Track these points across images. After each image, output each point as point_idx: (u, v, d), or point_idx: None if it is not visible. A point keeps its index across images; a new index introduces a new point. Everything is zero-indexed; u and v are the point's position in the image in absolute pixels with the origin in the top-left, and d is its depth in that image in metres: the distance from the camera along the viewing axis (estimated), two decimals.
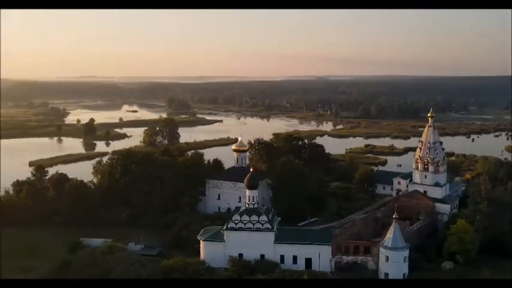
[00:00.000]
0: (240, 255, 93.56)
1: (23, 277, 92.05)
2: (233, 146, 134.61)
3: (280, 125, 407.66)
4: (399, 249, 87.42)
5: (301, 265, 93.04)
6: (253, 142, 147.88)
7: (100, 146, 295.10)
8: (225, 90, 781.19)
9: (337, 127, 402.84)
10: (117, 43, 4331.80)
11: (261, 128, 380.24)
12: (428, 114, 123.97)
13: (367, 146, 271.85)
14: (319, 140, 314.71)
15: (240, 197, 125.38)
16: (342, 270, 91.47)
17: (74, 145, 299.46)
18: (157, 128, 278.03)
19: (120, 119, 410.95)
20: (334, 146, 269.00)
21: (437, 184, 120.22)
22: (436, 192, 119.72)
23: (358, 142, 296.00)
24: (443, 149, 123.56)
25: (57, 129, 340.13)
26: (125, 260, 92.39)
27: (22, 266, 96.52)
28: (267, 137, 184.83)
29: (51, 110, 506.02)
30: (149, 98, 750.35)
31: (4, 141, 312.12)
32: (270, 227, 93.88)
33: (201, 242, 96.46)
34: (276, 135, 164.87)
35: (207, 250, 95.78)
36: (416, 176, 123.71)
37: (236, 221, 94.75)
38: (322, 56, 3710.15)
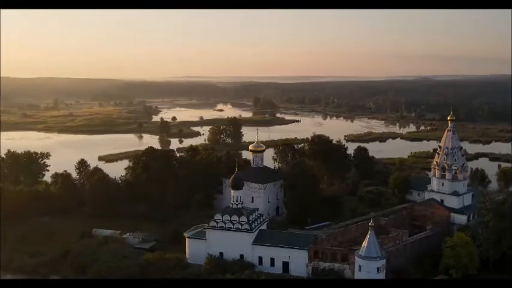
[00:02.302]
0: (221, 254, 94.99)
1: (30, 260, 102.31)
2: (250, 147, 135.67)
3: (356, 126, 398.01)
4: (372, 259, 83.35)
5: (278, 268, 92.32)
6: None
7: (174, 143, 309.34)
8: (315, 90, 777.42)
9: (421, 129, 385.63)
10: (222, 44, 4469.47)
11: (335, 128, 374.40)
12: (448, 118, 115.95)
13: (435, 150, 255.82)
14: (390, 143, 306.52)
15: (252, 197, 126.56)
16: (319, 276, 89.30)
17: (151, 142, 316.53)
18: (222, 127, 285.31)
19: (201, 117, 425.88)
20: (401, 149, 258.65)
21: (454, 193, 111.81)
22: (453, 202, 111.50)
23: (432, 145, 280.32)
24: (463, 155, 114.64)
25: (139, 126, 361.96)
26: (112, 251, 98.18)
27: (33, 251, 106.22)
28: None
29: (144, 108, 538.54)
30: (243, 97, 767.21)
31: (89, 136, 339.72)
32: (249, 228, 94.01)
33: (186, 239, 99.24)
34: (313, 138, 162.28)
35: (190, 247, 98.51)
36: (434, 184, 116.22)
37: (218, 220, 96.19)
38: (427, 54, 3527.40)
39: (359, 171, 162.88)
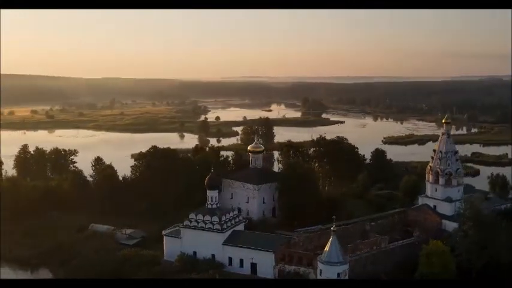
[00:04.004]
0: (194, 253, 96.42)
1: (27, 251, 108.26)
2: (249, 147, 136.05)
3: (402, 128, 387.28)
4: (332, 264, 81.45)
5: (247, 269, 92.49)
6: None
7: (212, 143, 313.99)
8: (368, 90, 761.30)
9: (472, 131, 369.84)
10: (279, 44, 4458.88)
11: (377, 130, 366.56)
12: (443, 120, 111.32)
13: (473, 154, 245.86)
14: (429, 145, 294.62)
15: (248, 198, 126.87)
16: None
17: (191, 141, 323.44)
18: (254, 127, 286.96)
19: (244, 117, 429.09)
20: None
21: (447, 199, 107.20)
22: (445, 208, 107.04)
23: (472, 149, 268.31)
24: (457, 160, 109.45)
25: (180, 125, 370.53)
26: (96, 246, 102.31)
27: (32, 244, 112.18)
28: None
29: (192, 107, 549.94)
30: (296, 98, 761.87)
31: (132, 135, 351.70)
32: (220, 228, 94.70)
33: (164, 237, 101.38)
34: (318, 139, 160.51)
35: (167, 245, 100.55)
36: (428, 189, 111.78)
37: (192, 219, 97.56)
38: (493, 53, 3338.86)
39: (373, 174, 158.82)
